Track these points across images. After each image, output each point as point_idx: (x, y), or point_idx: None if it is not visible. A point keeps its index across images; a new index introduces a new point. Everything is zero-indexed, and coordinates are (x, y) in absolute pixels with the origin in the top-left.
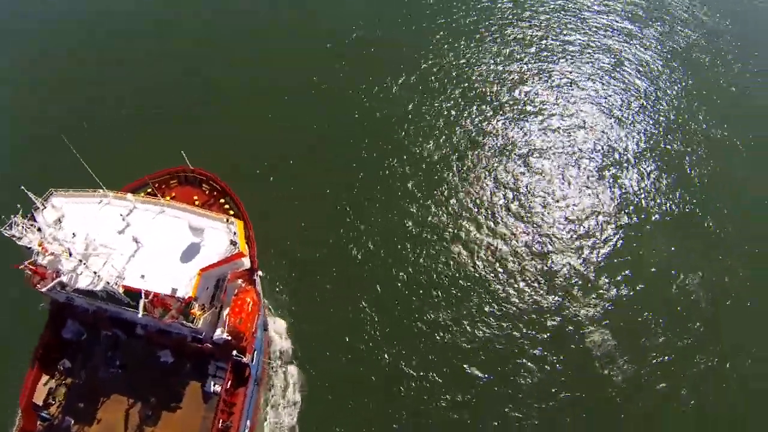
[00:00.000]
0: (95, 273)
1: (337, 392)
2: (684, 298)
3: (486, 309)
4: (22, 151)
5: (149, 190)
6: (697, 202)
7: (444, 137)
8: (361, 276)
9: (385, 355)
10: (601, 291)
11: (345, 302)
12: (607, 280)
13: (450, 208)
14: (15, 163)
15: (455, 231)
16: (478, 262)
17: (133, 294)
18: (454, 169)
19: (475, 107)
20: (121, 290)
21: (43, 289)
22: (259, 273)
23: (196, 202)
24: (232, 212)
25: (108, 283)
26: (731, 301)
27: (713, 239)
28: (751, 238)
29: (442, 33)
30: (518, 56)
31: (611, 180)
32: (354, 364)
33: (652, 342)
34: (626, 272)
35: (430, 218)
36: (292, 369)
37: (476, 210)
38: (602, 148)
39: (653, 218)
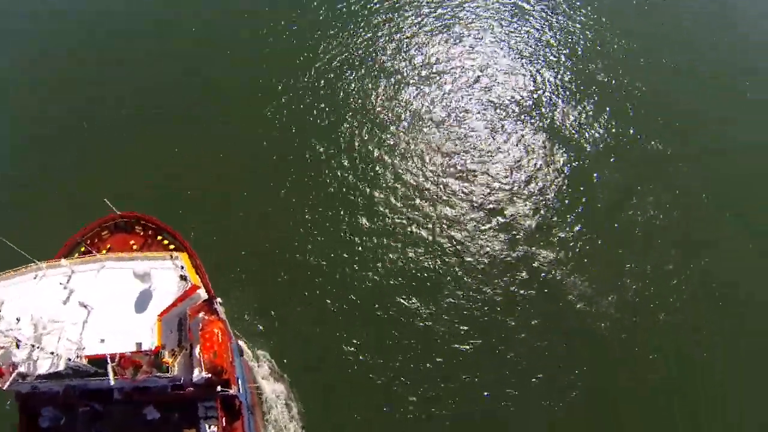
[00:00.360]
0: (53, 353)
1: (331, 394)
2: (644, 222)
3: (462, 282)
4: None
5: (83, 249)
6: (634, 125)
7: (372, 125)
8: (326, 282)
9: (370, 357)
10: (562, 232)
11: (316, 311)
12: (564, 220)
13: (398, 194)
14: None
15: (410, 217)
16: (438, 239)
17: (99, 361)
18: (390, 152)
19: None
20: (85, 361)
21: (4, 387)
22: (219, 300)
23: (134, 247)
24: (172, 247)
25: (69, 359)
26: (687, 214)
27: (657, 158)
28: (696, 151)
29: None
30: (416, 23)
31: (544, 121)
32: (342, 368)
33: (624, 272)
34: (579, 209)
35: (381, 209)
36: (279, 386)
37: (421, 187)
38: (525, 93)
39: (594, 150)
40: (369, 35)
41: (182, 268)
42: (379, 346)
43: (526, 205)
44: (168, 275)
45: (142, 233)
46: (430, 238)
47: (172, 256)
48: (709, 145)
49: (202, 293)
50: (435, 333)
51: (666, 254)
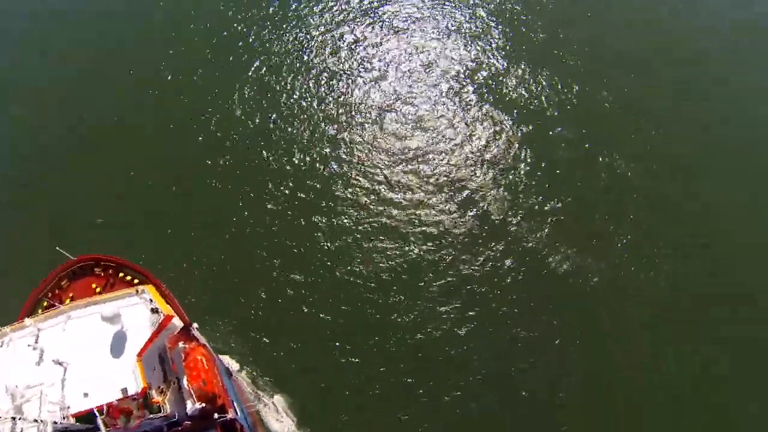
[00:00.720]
0: (37, 420)
1: (330, 396)
2: (607, 175)
3: (441, 268)
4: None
5: (45, 304)
6: (585, 80)
7: (322, 125)
8: (303, 287)
9: (363, 359)
10: (530, 199)
11: (297, 317)
12: (529, 186)
13: (355, 196)
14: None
15: (379, 210)
16: (412, 229)
17: (87, 417)
18: (345, 148)
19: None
20: (72, 420)
21: None
22: (195, 326)
23: (97, 290)
24: (137, 281)
25: (56, 422)
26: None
27: (612, 110)
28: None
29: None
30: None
31: (490, 90)
32: (336, 372)
33: (595, 226)
34: (539, 173)
35: (346, 208)
36: (278, 398)
37: (381, 178)
38: (465, 67)
39: (549, 113)
40: (300, 34)
41: (151, 300)
42: (368, 346)
43: (488, 176)
44: (138, 311)
45: (102, 274)
46: (403, 228)
47: (137, 291)
48: (670, 88)
49: (177, 322)
50: (425, 324)
51: (631, 199)
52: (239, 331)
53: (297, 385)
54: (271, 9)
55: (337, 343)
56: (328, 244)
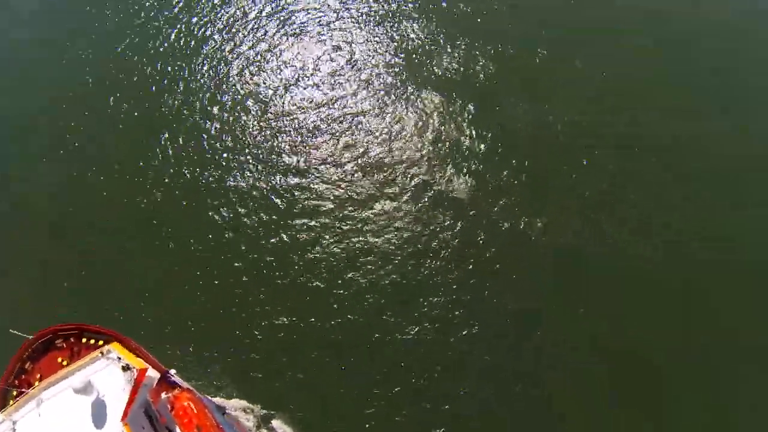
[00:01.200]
0: None
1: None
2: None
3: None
4: None
5: (15, 393)
6: (515, 44)
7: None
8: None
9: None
10: (489, 171)
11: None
12: (484, 157)
13: (290, 202)
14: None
15: (312, 217)
16: (368, 226)
17: None
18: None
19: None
20: None
21: None
22: (173, 372)
23: (64, 363)
24: (101, 342)
25: None
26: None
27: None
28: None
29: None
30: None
31: (424, 74)
32: (325, 383)
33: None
34: (491, 145)
35: (304, 220)
36: (276, 422)
37: (330, 182)
38: (395, 56)
39: (488, 83)
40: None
41: (119, 358)
42: (359, 353)
43: (441, 158)
44: (109, 374)
45: (64, 345)
46: (368, 228)
47: (103, 353)
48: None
49: (153, 373)
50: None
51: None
52: (220, 364)
53: (293, 402)
54: (165, 45)
55: (327, 359)
56: (296, 257)
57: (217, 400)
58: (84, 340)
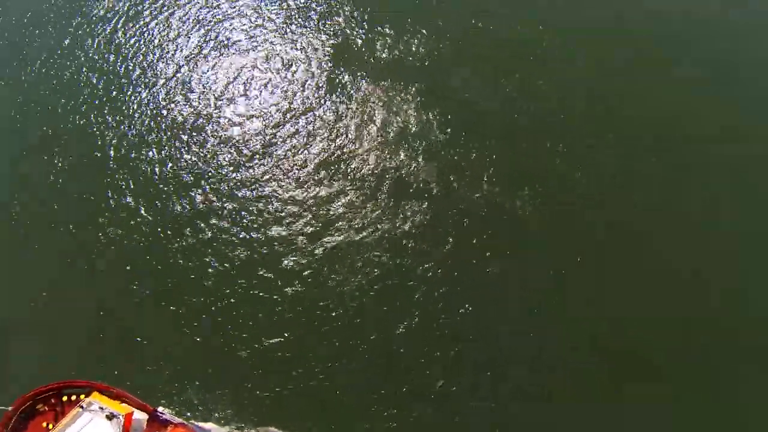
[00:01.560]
0: None
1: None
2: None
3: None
4: None
5: None
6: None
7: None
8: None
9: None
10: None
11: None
12: (445, 141)
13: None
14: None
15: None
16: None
17: None
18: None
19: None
20: None
21: None
22: (160, 409)
23: (50, 426)
24: (82, 395)
25: None
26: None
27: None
28: None
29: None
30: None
31: (366, 66)
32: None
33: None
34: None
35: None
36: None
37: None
38: (326, 51)
39: (435, 64)
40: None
41: (101, 408)
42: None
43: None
44: (95, 427)
45: (46, 408)
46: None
47: (83, 407)
48: None
49: (140, 416)
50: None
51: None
52: (213, 392)
53: (291, 407)
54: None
55: (318, 370)
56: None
57: (211, 425)
58: (65, 398)
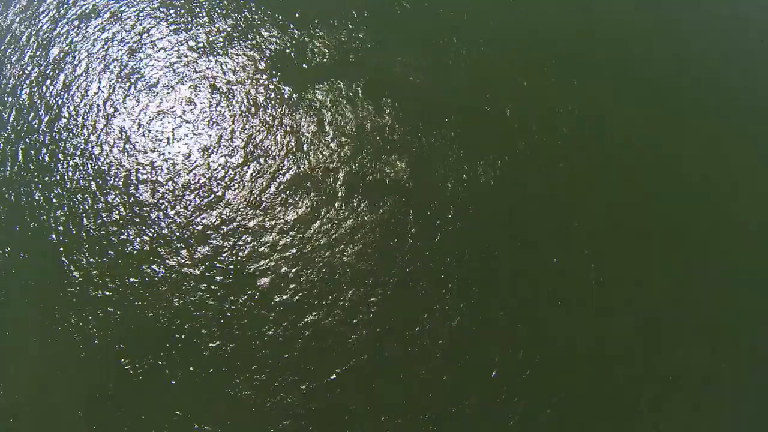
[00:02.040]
0: None
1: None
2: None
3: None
4: None
5: None
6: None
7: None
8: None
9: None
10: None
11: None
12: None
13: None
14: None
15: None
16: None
17: None
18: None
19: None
20: None
21: None
22: None
23: None
24: None
25: None
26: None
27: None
28: None
29: None
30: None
31: (304, 71)
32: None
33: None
34: (407, 124)
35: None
36: None
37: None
38: (259, 67)
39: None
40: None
41: None
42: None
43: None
44: None
45: None
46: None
47: None
48: None
49: None
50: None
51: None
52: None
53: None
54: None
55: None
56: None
57: None
58: None
